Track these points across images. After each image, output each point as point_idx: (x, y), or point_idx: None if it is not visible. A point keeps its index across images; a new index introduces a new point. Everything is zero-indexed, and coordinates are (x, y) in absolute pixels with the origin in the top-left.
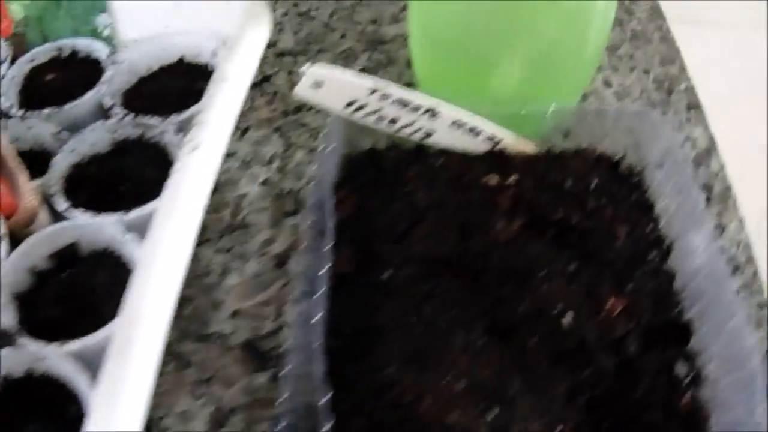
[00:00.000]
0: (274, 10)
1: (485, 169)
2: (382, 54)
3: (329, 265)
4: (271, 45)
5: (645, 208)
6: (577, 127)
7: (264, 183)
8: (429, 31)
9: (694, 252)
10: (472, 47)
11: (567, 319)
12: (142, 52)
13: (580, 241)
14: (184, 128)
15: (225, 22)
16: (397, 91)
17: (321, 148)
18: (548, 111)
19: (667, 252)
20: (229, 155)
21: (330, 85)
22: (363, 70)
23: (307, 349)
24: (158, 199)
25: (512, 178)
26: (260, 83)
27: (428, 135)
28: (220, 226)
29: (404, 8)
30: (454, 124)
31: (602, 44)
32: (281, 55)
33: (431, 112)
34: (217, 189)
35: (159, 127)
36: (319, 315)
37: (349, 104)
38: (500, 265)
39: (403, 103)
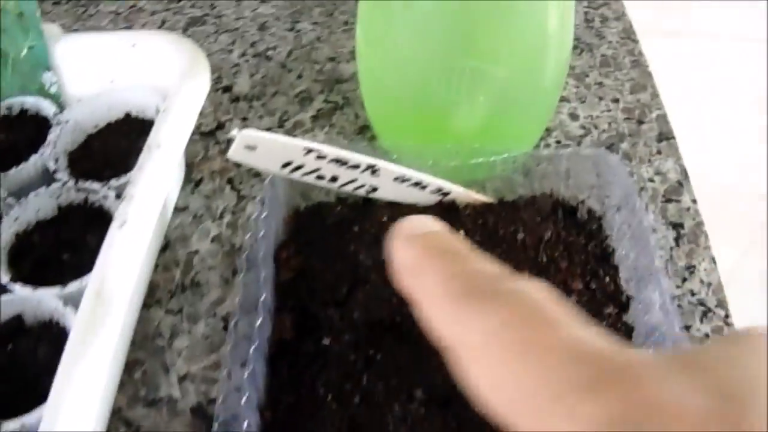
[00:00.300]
0: (231, 51)
1: None
2: (339, 95)
3: (263, 334)
4: (226, 89)
5: (603, 258)
6: (533, 171)
7: (215, 239)
8: (378, 75)
9: (652, 307)
10: (422, 90)
11: None
12: (87, 109)
13: None
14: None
15: (169, 76)
16: (332, 150)
17: (255, 214)
18: (499, 158)
19: (626, 305)
20: (181, 209)
21: (263, 148)
22: (318, 112)
23: (242, 421)
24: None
25: (461, 233)
26: (214, 131)
27: (374, 190)
28: (170, 286)
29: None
30: (397, 179)
31: (561, 77)
32: (236, 100)
33: (372, 169)
34: (168, 246)
35: (100, 192)
36: (247, 394)
37: (286, 165)
38: None
39: (341, 162)
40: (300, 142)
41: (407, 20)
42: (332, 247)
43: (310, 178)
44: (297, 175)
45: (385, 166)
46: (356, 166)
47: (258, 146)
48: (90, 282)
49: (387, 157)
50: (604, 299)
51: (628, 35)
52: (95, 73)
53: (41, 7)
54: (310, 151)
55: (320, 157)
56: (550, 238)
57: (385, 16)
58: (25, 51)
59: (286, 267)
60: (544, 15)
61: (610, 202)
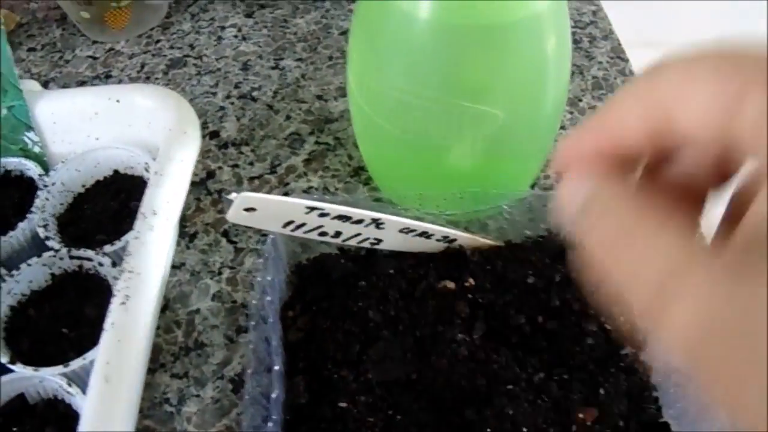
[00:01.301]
0: (215, 94)
1: (441, 273)
2: (330, 135)
3: (278, 405)
4: (213, 135)
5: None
6: (538, 212)
7: (215, 296)
8: (371, 117)
9: None
10: (418, 132)
11: None
12: (74, 169)
13: (547, 346)
14: (121, 256)
15: (156, 131)
16: (335, 207)
17: (259, 278)
18: (505, 201)
19: (642, 343)
20: (177, 267)
21: (263, 209)
22: (310, 155)
23: None
24: (97, 349)
25: (470, 281)
26: (205, 180)
27: (378, 242)
28: (173, 349)
29: None
30: (402, 231)
31: (559, 113)
32: (225, 146)
33: (376, 223)
34: (167, 306)
35: (95, 260)
36: None
37: (287, 224)
38: (462, 384)
39: (345, 218)
40: (301, 201)
41: (401, 61)
42: (340, 305)
43: (313, 235)
44: (299, 232)
45: (389, 218)
46: (360, 221)
47: (258, 208)
48: (96, 365)
49: (390, 208)
50: (620, 339)
51: (617, 54)
52: (79, 130)
53: (15, 54)
54: (312, 209)
55: (323, 214)
56: (560, 280)
57: (378, 58)
58: (4, 111)
59: (294, 327)
60: (541, 54)
61: None
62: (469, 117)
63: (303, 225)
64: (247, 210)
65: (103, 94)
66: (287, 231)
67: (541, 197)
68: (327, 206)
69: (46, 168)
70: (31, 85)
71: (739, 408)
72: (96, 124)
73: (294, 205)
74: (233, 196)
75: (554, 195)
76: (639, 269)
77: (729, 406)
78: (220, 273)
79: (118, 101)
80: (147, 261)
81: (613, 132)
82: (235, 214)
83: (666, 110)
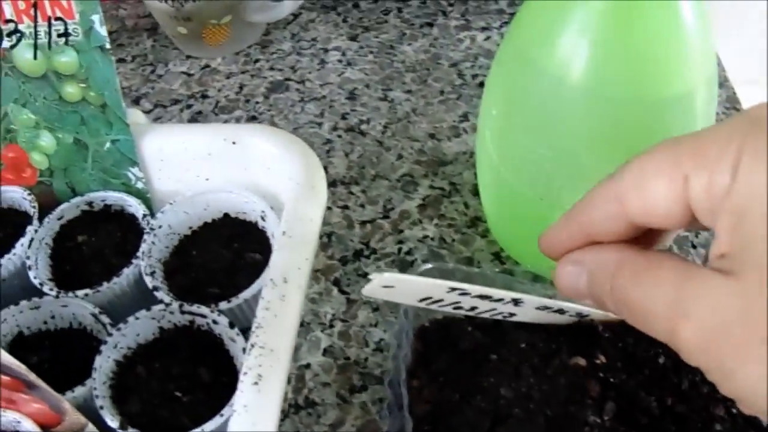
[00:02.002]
0: (320, 125)
1: (572, 348)
2: (445, 179)
3: None
4: None
5: None
6: None
7: (327, 351)
8: (505, 181)
9: None
10: (556, 203)
11: None
12: (182, 212)
13: (677, 429)
14: (237, 314)
15: (276, 180)
16: (476, 288)
17: (392, 352)
18: None
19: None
20: None
21: (402, 286)
22: (425, 200)
23: None
24: (218, 417)
25: (601, 358)
26: None
27: (511, 315)
28: (282, 405)
29: (463, 117)
30: (539, 308)
31: None
32: (333, 184)
33: (515, 301)
34: None
35: (209, 317)
36: None
37: (424, 299)
38: None
39: (485, 296)
40: (444, 283)
41: (548, 128)
42: (469, 378)
43: (448, 309)
44: (434, 306)
45: (529, 299)
46: (500, 299)
47: (396, 286)
48: None
49: (529, 286)
50: (746, 425)
51: (733, 104)
52: (187, 169)
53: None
54: (453, 289)
55: (463, 293)
56: None
57: (522, 120)
58: (108, 144)
59: (420, 398)
60: (690, 118)
61: None
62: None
63: (440, 301)
64: (384, 287)
65: (218, 134)
66: (422, 305)
67: None
68: (469, 287)
69: (149, 205)
70: (137, 117)
71: (741, 393)
72: (207, 165)
73: (435, 285)
74: (374, 275)
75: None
76: (650, 305)
77: (736, 395)
78: (331, 326)
79: (234, 143)
80: (280, 336)
81: (586, 226)
82: (372, 290)
83: (626, 202)
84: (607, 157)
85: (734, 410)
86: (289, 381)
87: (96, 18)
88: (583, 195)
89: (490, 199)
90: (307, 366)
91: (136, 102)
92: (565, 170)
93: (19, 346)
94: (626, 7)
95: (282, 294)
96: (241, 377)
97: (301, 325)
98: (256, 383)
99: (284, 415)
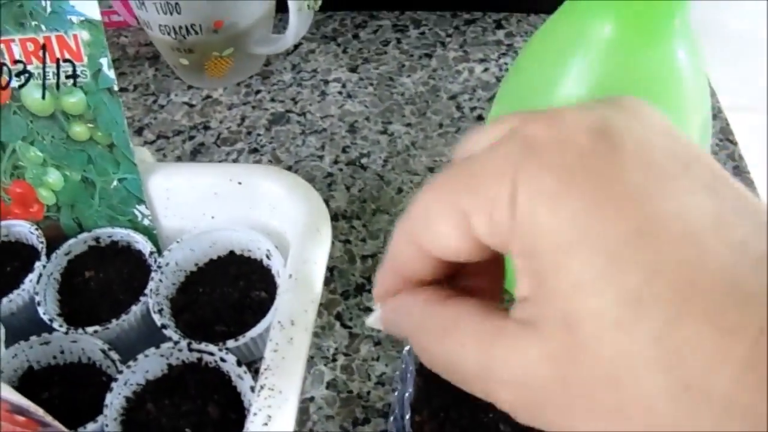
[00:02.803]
0: (322, 158)
1: None
2: None
3: None
4: None
5: None
6: None
7: (330, 385)
8: None
9: None
10: None
11: None
12: (188, 249)
13: None
14: (244, 352)
15: (281, 220)
16: None
17: (399, 389)
18: None
19: None
20: None
21: None
22: None
23: None
24: None
25: None
26: None
27: None
28: None
29: None
30: None
31: None
32: (335, 218)
33: None
34: None
35: (217, 355)
36: None
37: None
38: None
39: None
40: None
41: None
42: (469, 414)
43: None
44: None
45: None
46: None
47: None
48: None
49: None
50: None
51: (726, 136)
52: (193, 207)
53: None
54: None
55: None
56: None
57: None
58: (115, 183)
59: None
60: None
61: None
62: None
63: None
64: None
65: (224, 175)
66: None
67: None
68: None
69: (155, 242)
70: (144, 155)
71: None
72: (213, 203)
73: None
74: (377, 306)
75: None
76: (460, 368)
77: None
78: (334, 359)
79: (240, 183)
80: (288, 377)
81: (399, 270)
82: (374, 321)
83: (422, 245)
84: None
85: None
86: None
87: (104, 61)
88: None
89: None
90: (311, 399)
91: (138, 132)
92: None
93: (29, 380)
94: (623, 63)
95: (290, 336)
96: (251, 418)
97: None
98: (265, 424)
99: None
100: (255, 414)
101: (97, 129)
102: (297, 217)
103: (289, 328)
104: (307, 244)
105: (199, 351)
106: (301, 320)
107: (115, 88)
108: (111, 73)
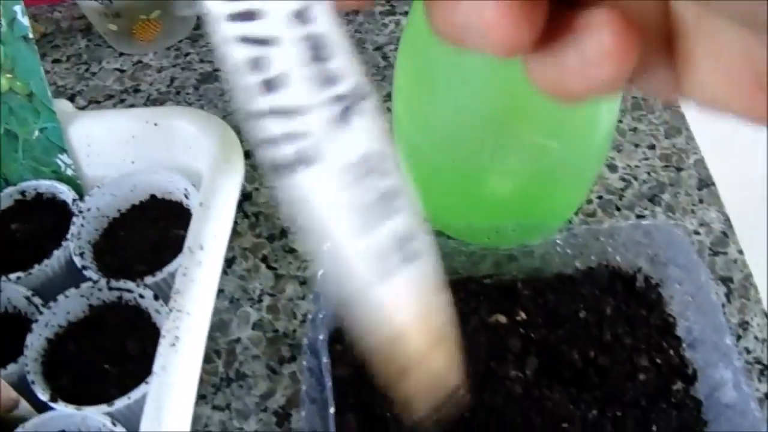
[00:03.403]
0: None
1: (492, 307)
2: None
3: None
4: (248, 155)
5: (665, 330)
6: (588, 243)
7: (256, 325)
8: (421, 148)
9: (723, 384)
10: (468, 164)
11: None
12: (109, 194)
13: (600, 381)
14: (162, 288)
15: (197, 158)
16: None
17: (311, 316)
18: (554, 232)
19: (692, 378)
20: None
21: None
22: None
23: None
24: (144, 385)
25: (522, 315)
26: (241, 203)
27: None
28: (214, 379)
29: (387, 97)
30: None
31: (609, 141)
32: (260, 166)
33: None
34: (207, 334)
35: (135, 291)
36: None
37: None
38: (516, 422)
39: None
40: None
41: (455, 91)
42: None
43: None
44: None
45: None
46: None
47: None
48: (146, 410)
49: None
50: (671, 374)
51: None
52: (114, 153)
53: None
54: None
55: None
56: (611, 314)
57: (430, 86)
58: (36, 133)
59: (342, 362)
60: None
61: (667, 269)
62: (524, 148)
63: None
64: None
65: (141, 117)
66: None
67: (590, 229)
68: None
69: (79, 191)
70: (64, 106)
71: None
72: (132, 148)
73: None
74: None
75: (610, 230)
76: None
77: None
78: (260, 300)
79: (156, 125)
80: (196, 299)
81: None
82: None
83: None
84: (515, 118)
85: (658, 360)
86: (219, 356)
87: (18, 8)
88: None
89: (410, 170)
90: (237, 341)
91: (71, 99)
92: (475, 132)
93: None
94: None
95: (198, 260)
96: (161, 340)
97: (231, 301)
98: (173, 344)
99: (216, 388)
100: (164, 336)
101: (15, 79)
102: (210, 151)
103: (198, 253)
104: (218, 174)
105: (119, 289)
106: (211, 246)
107: (30, 35)
108: (25, 20)
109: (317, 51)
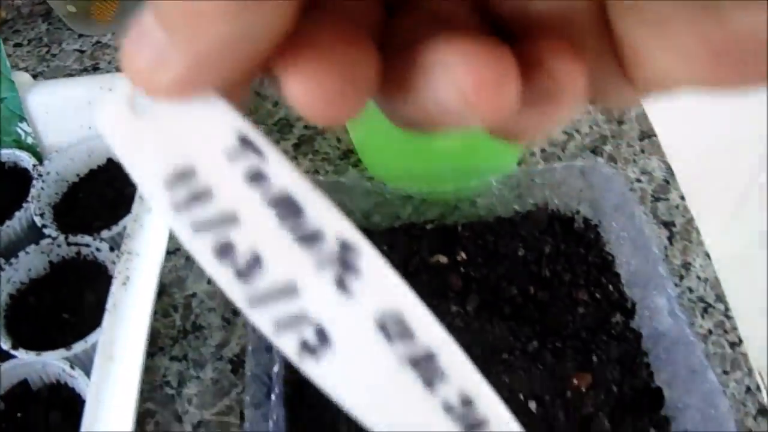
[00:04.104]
0: None
1: (433, 248)
2: None
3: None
4: None
5: (604, 267)
6: (526, 187)
7: (211, 280)
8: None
9: (659, 313)
10: None
11: (533, 405)
12: (68, 159)
13: (540, 315)
14: (118, 242)
15: None
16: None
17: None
18: (494, 175)
19: (631, 311)
20: (172, 252)
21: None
22: (299, 139)
23: None
24: (99, 331)
25: (462, 255)
26: None
27: None
28: (172, 332)
29: None
30: None
31: None
32: None
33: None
34: (164, 290)
35: (92, 245)
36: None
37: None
38: None
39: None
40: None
41: None
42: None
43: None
44: None
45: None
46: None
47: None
48: (99, 345)
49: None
50: (610, 308)
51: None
52: (71, 120)
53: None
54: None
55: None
56: (550, 252)
57: None
58: None
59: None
60: None
61: (604, 210)
62: None
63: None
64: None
65: (95, 84)
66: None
67: (528, 173)
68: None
69: (40, 158)
70: (22, 77)
71: None
72: (88, 114)
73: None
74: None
75: (543, 171)
76: None
77: None
78: None
79: (110, 90)
80: (146, 242)
81: None
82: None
83: None
84: None
85: (597, 295)
86: (176, 310)
87: None
88: None
89: (357, 128)
90: (194, 295)
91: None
92: None
93: None
94: None
95: (148, 207)
96: (113, 281)
97: (187, 258)
98: (123, 284)
99: (173, 341)
100: (115, 277)
101: None
102: None
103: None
104: None
105: (77, 244)
106: None
107: None
108: None
109: (285, 209)
